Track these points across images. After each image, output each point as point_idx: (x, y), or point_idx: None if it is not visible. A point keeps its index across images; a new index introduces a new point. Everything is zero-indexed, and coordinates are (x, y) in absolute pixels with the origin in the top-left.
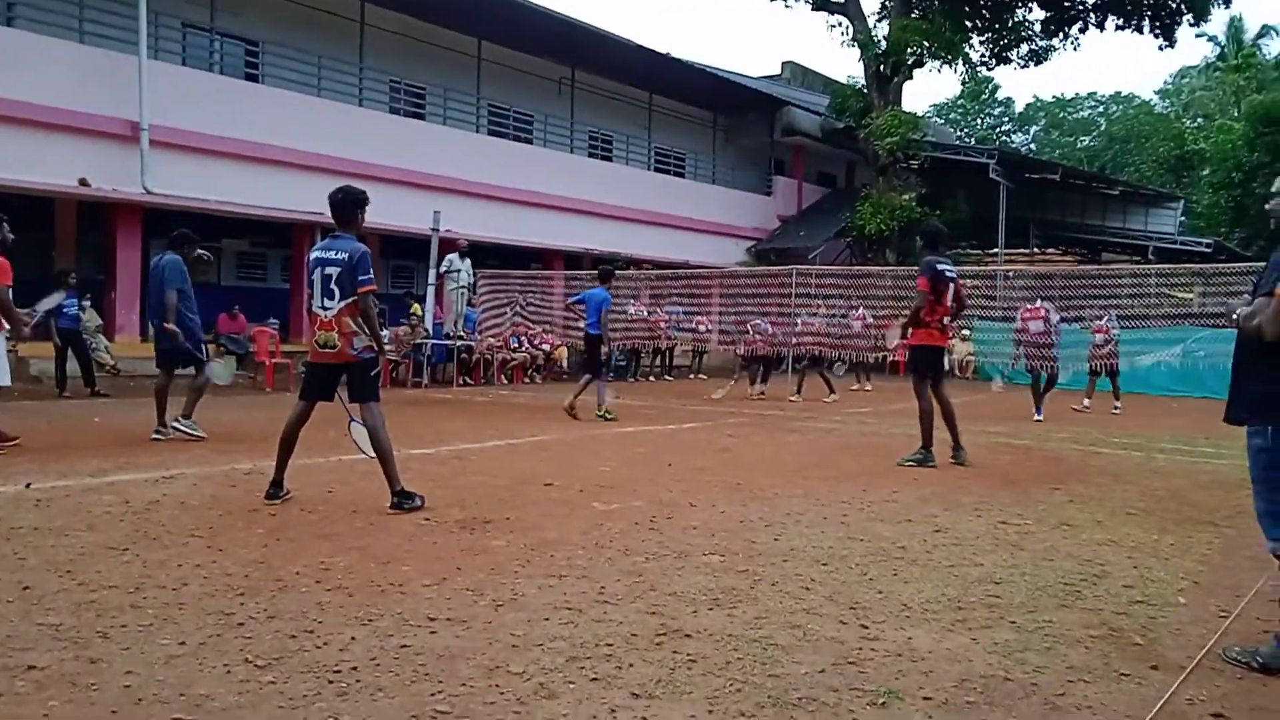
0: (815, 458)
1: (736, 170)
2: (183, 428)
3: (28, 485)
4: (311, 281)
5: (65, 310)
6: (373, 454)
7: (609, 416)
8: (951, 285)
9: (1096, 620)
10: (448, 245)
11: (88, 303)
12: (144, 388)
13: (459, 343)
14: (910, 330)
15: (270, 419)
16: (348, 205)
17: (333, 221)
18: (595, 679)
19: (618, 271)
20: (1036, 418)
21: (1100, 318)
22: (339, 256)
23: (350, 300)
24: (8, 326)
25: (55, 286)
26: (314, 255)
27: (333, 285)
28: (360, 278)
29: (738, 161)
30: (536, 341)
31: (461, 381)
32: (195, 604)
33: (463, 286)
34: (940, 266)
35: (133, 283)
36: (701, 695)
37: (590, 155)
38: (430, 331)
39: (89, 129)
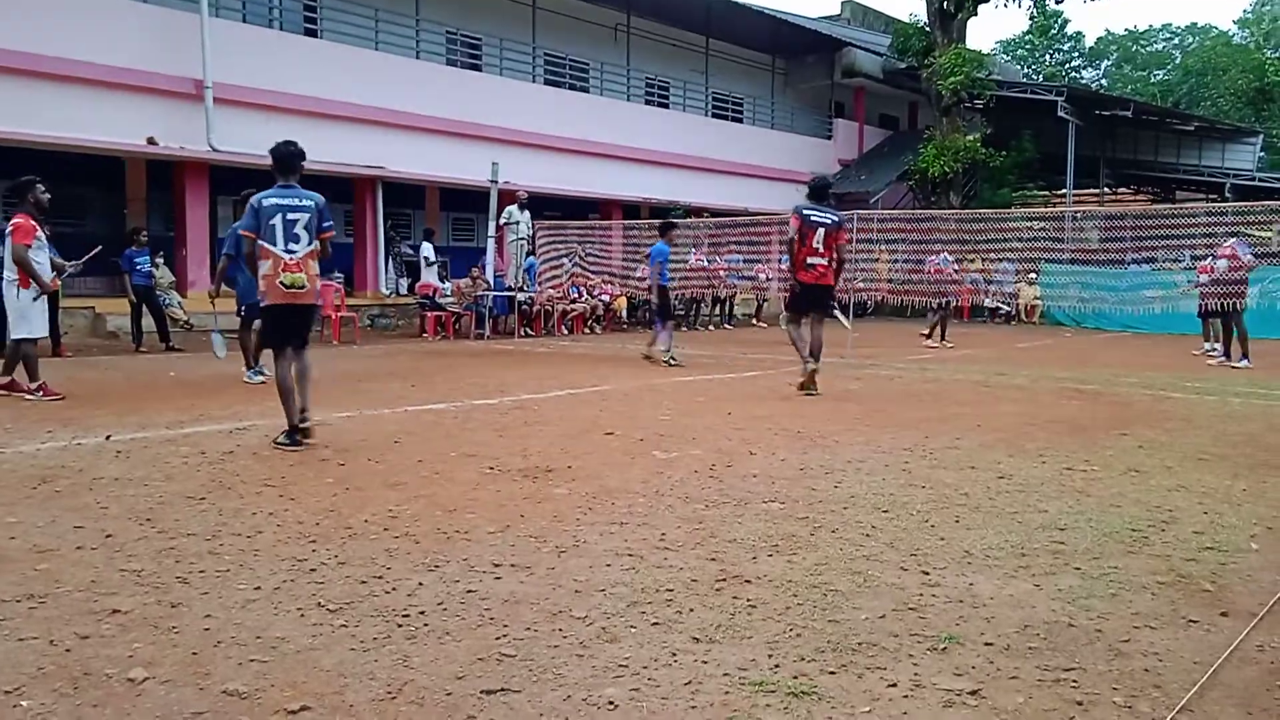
0: (877, 404)
1: (796, 114)
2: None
3: (108, 437)
4: (271, 227)
5: (139, 268)
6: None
7: (673, 362)
8: (820, 230)
9: (1164, 567)
10: (507, 197)
11: (160, 260)
12: None
13: (520, 294)
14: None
15: (340, 371)
16: (295, 158)
17: (277, 173)
18: (656, 623)
19: (677, 221)
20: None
21: (1203, 257)
22: (306, 204)
23: (313, 246)
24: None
25: (127, 245)
26: (271, 202)
27: (299, 229)
28: (325, 224)
29: (797, 105)
30: (596, 292)
31: (523, 332)
32: (269, 551)
33: (522, 238)
34: (807, 211)
35: (202, 239)
36: (761, 640)
37: (647, 103)
38: (491, 283)
39: (155, 88)
